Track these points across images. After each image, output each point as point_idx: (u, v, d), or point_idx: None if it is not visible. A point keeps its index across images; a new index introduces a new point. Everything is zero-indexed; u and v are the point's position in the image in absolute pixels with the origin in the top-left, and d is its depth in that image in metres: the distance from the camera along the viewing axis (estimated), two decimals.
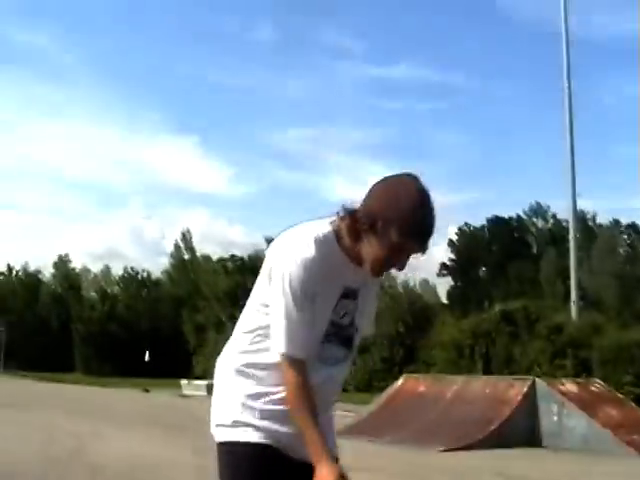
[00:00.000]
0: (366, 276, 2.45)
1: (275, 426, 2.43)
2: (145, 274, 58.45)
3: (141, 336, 48.47)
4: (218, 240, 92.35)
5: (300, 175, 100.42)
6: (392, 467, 9.55)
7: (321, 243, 2.39)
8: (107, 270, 68.49)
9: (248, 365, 2.48)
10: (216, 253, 67.37)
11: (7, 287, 56.07)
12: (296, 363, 2.36)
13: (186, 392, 28.06)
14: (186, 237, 66.06)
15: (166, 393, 27.42)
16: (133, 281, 57.48)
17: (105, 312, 51.95)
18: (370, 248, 2.36)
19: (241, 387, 2.49)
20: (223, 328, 44.71)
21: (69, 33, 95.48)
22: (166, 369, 40.69)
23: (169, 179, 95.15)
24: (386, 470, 9.19)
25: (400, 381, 15.07)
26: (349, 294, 2.47)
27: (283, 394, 2.40)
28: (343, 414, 17.27)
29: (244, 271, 48.19)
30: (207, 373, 40.81)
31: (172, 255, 65.59)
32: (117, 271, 64.42)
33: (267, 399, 2.44)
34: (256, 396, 2.45)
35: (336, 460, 2.38)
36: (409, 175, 2.39)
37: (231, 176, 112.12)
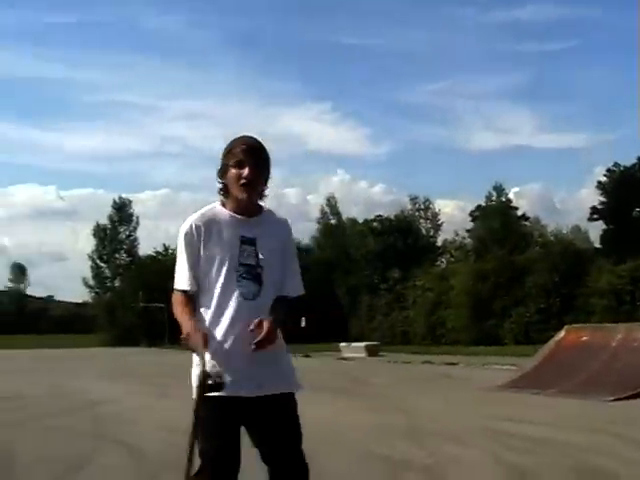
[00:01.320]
0: (262, 228, 3.40)
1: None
2: (295, 241, 59.74)
3: (295, 302, 49.67)
4: (361, 202, 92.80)
5: (436, 129, 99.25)
6: (560, 419, 9.59)
7: (204, 211, 3.41)
8: None
9: None
10: (361, 215, 67.87)
11: (165, 266, 58.56)
12: (182, 294, 3.32)
13: (346, 355, 28.60)
14: (331, 202, 66.90)
15: (326, 357, 28.10)
16: None
17: None
18: (230, 181, 3.34)
19: None
20: (376, 289, 45.27)
21: (200, 14, 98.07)
22: (322, 334, 41.46)
23: (308, 146, 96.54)
24: (554, 422, 9.24)
25: (562, 333, 14.92)
26: (246, 241, 3.34)
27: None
28: (506, 368, 17.35)
29: (392, 231, 48.43)
30: (363, 335, 41.51)
31: (318, 221, 66.67)
32: None
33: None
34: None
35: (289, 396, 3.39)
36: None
37: (369, 136, 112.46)
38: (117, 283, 66.69)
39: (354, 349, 29.22)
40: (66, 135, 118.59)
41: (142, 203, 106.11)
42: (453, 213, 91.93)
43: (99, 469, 6.80)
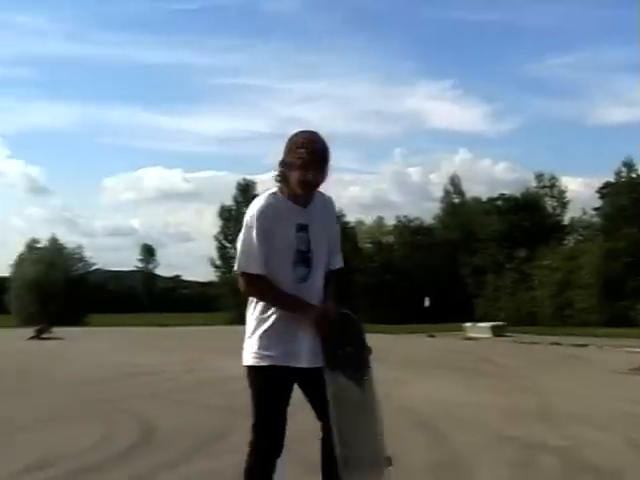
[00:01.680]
0: (313, 213, 3.68)
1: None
2: (417, 222, 59.32)
3: (419, 283, 49.49)
4: (484, 180, 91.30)
5: (563, 104, 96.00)
6: None
7: (268, 197, 3.65)
8: (380, 221, 70.34)
9: None
10: (484, 193, 66.77)
11: None
12: (256, 277, 3.57)
13: (471, 335, 28.34)
14: (454, 181, 66.06)
15: (451, 337, 27.92)
16: (406, 229, 58.55)
17: (382, 262, 53.55)
18: (293, 178, 3.55)
19: None
20: (502, 270, 44.62)
21: None
22: (446, 314, 41.19)
23: (429, 124, 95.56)
24: None
25: None
26: (301, 228, 3.62)
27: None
28: (639, 351, 16.84)
29: (518, 210, 47.44)
30: (488, 315, 41.03)
31: (441, 200, 66.01)
32: (389, 221, 65.94)
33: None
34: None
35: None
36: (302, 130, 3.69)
37: (491, 113, 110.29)
38: None
39: (479, 329, 28.91)
40: (190, 119, 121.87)
41: (265, 184, 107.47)
42: (580, 190, 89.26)
43: (236, 442, 7.03)
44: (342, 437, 3.58)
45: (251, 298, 3.68)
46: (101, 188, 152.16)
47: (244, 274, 3.61)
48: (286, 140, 3.66)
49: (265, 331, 3.60)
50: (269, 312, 3.60)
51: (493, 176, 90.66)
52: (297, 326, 3.56)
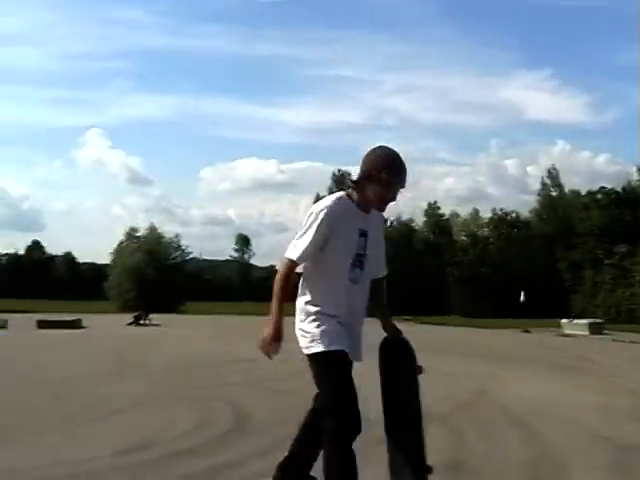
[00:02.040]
0: (371, 221, 3.99)
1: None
2: (514, 215, 58.36)
3: (514, 277, 48.69)
4: (583, 173, 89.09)
5: None
6: None
7: (337, 200, 3.91)
8: (475, 213, 69.49)
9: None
10: (583, 186, 65.14)
11: (386, 235, 59.18)
12: (291, 263, 3.85)
13: (567, 331, 27.77)
14: (552, 174, 64.69)
15: (546, 333, 27.42)
16: (502, 222, 57.69)
17: (477, 255, 52.95)
18: (372, 191, 3.88)
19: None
20: (601, 265, 43.41)
21: None
22: (542, 309, 40.43)
23: (526, 115, 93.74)
24: None
25: None
26: (362, 233, 3.93)
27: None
28: None
29: (619, 204, 46.05)
30: (586, 312, 40.05)
31: (539, 193, 64.73)
32: (484, 213, 65.11)
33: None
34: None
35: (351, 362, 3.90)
36: (385, 147, 3.98)
37: (591, 104, 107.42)
38: None
39: (576, 326, 28.30)
40: (285, 110, 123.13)
41: None
42: None
43: None
44: (391, 442, 4.03)
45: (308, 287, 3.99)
46: (198, 178, 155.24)
47: (286, 258, 3.90)
48: (369, 151, 3.98)
49: (317, 319, 3.93)
50: (319, 306, 3.93)
51: (593, 168, 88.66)
52: (342, 322, 3.93)
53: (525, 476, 5.33)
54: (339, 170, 74.91)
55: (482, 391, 10.35)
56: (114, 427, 7.14)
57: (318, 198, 73.80)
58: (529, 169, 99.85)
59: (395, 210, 76.63)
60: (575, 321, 29.75)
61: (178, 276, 62.98)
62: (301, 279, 4.00)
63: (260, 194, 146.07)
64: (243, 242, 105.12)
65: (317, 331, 3.88)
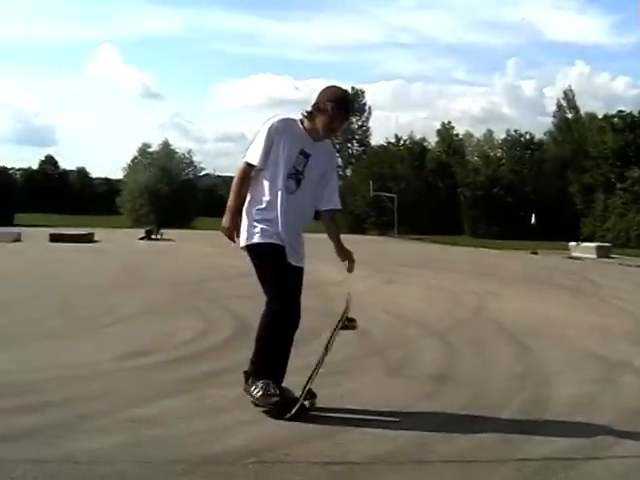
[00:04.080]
0: (319, 149, 4.60)
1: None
2: (528, 136, 57.86)
3: (526, 199, 48.65)
4: (601, 95, 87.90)
5: None
6: None
7: (285, 119, 4.56)
8: (489, 134, 68.88)
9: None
10: (600, 109, 64.36)
11: (396, 156, 58.99)
12: (247, 165, 4.52)
13: (575, 254, 27.88)
14: (568, 95, 63.82)
15: (554, 255, 27.55)
16: (516, 144, 57.25)
17: (489, 176, 52.72)
18: (319, 121, 4.51)
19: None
20: (612, 189, 43.21)
21: None
22: (552, 232, 40.46)
23: (545, 36, 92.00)
24: None
25: None
26: (304, 154, 4.53)
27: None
28: None
29: (634, 128, 45.50)
30: (595, 235, 40.14)
31: (554, 115, 64.03)
32: (498, 134, 64.59)
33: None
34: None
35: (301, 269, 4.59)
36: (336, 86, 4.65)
37: (612, 25, 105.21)
38: (349, 172, 68.30)
39: (584, 249, 28.40)
40: (300, 26, 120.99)
41: (375, 93, 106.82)
42: None
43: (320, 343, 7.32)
44: None
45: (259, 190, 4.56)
46: (212, 94, 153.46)
47: (244, 161, 4.55)
48: (324, 88, 4.61)
49: (260, 218, 4.51)
50: (262, 206, 4.52)
51: (612, 92, 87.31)
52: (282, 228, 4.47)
53: (509, 387, 5.52)
54: (353, 88, 74.18)
55: (481, 308, 10.56)
56: (119, 334, 7.40)
57: None
58: (546, 90, 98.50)
59: (406, 129, 76.39)
60: (583, 244, 29.83)
61: (191, 192, 63.16)
62: (253, 182, 4.58)
63: (275, 110, 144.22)
64: None
65: (254, 228, 4.50)
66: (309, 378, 4.54)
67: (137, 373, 5.55)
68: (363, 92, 76.47)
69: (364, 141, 75.17)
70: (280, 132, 4.49)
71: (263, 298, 4.71)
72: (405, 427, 4.31)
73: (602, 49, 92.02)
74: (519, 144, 56.36)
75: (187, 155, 67.19)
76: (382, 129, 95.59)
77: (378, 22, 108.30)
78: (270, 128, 4.50)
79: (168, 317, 8.65)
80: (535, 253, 29.00)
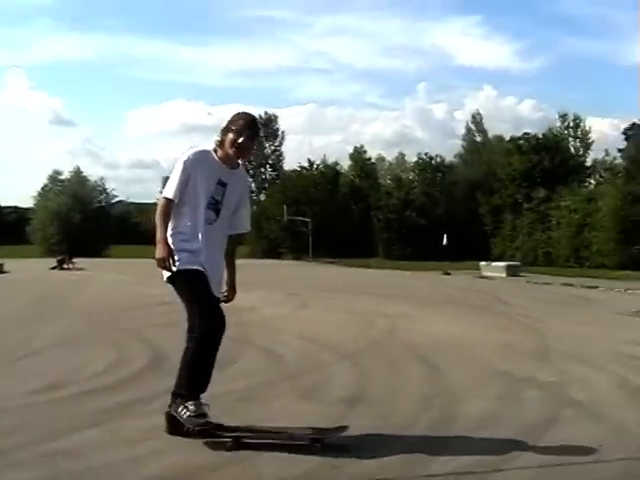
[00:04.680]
0: (234, 177, 4.83)
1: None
2: (438, 159, 59.06)
3: (438, 220, 49.53)
4: (508, 118, 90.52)
5: (592, 42, 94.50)
6: None
7: (200, 152, 4.76)
8: (401, 157, 70.17)
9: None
10: (508, 132, 66.20)
11: (309, 180, 59.36)
12: (166, 200, 4.69)
13: (485, 273, 28.61)
14: (476, 119, 65.69)
15: (466, 275, 28.19)
16: (427, 167, 58.31)
17: (402, 199, 53.51)
18: (228, 140, 4.70)
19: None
20: (520, 209, 44.48)
21: None
22: (463, 252, 41.31)
23: (455, 60, 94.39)
24: None
25: None
26: (221, 183, 4.75)
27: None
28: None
29: (539, 150, 47.01)
30: (505, 254, 41.19)
31: (464, 138, 65.72)
32: (410, 157, 65.73)
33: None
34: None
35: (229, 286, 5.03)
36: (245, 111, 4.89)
37: (518, 51, 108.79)
38: (262, 197, 68.36)
39: (494, 268, 29.15)
40: (213, 52, 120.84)
41: (289, 118, 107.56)
42: (607, 132, 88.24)
43: (246, 367, 7.43)
44: None
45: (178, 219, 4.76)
46: (124, 121, 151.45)
47: (162, 196, 4.76)
48: (232, 114, 4.85)
49: (181, 247, 4.69)
50: (182, 235, 4.73)
51: (518, 114, 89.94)
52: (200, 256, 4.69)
53: (419, 406, 5.72)
54: (266, 112, 74.54)
55: (393, 330, 10.80)
56: (32, 367, 7.34)
57: None
58: (456, 114, 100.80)
59: (320, 153, 77.20)
60: (493, 264, 30.60)
61: (104, 220, 62.15)
62: (173, 213, 4.75)
63: (188, 137, 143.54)
64: None
65: (178, 256, 4.63)
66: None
67: (51, 406, 5.54)
68: (276, 117, 76.83)
69: (277, 166, 75.41)
70: (195, 165, 4.67)
71: (180, 326, 4.80)
72: (315, 451, 4.44)
73: (508, 73, 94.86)
74: (430, 167, 57.42)
75: (99, 182, 66.11)
76: (296, 153, 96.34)
77: (292, 47, 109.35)
78: (185, 162, 4.67)
79: (81, 348, 8.60)
80: (448, 274, 29.57)
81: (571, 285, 22.30)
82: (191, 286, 4.68)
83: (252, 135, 4.79)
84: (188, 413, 4.49)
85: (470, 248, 42.67)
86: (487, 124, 65.52)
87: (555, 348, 9.19)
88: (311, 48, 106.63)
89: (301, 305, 14.20)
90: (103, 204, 65.56)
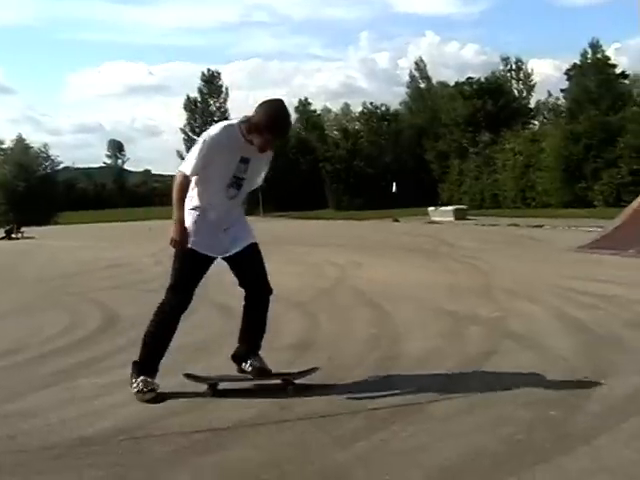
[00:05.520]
0: (256, 152, 4.67)
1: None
2: (383, 108, 59.19)
3: (386, 169, 49.90)
4: (452, 64, 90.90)
5: None
6: (631, 278, 9.80)
7: (224, 129, 4.65)
8: (347, 108, 70.16)
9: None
10: (452, 77, 66.51)
11: None
12: (184, 176, 4.63)
13: (434, 218, 29.03)
14: (420, 66, 65.82)
15: (415, 221, 28.56)
16: (373, 116, 58.44)
17: (349, 149, 53.70)
18: (254, 139, 4.60)
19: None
20: (466, 154, 44.95)
21: None
22: (413, 199, 41.76)
23: (395, 8, 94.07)
24: (624, 281, 9.47)
25: None
26: (244, 160, 4.69)
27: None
28: (592, 230, 17.44)
29: (482, 94, 47.41)
30: (453, 199, 41.73)
31: (408, 85, 65.88)
32: (356, 107, 65.76)
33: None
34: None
35: (254, 244, 4.91)
36: (276, 99, 4.79)
37: None
38: None
39: (442, 213, 29.61)
40: (153, 10, 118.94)
41: (232, 74, 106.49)
42: (549, 73, 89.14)
43: (196, 322, 7.57)
44: None
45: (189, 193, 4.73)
46: (65, 85, 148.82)
47: (180, 172, 4.68)
48: (264, 104, 4.69)
49: (195, 222, 4.70)
50: (199, 210, 4.71)
51: (462, 60, 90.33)
52: (217, 226, 4.73)
53: (365, 348, 5.96)
54: (208, 70, 73.66)
55: (343, 278, 11.04)
56: None
57: (189, 99, 72.85)
58: (400, 62, 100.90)
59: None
60: (441, 208, 31.07)
61: (50, 187, 61.27)
62: (191, 185, 4.72)
63: (130, 98, 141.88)
64: (116, 148, 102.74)
65: (189, 229, 4.67)
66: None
67: (8, 371, 5.65)
68: (219, 74, 75.85)
69: None
70: (218, 147, 4.59)
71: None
72: (266, 394, 4.65)
73: (450, 19, 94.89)
74: (376, 116, 57.58)
75: (43, 149, 65.07)
76: (241, 109, 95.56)
77: (233, 2, 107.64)
78: (208, 142, 4.61)
79: (35, 314, 8.66)
80: (397, 220, 29.96)
81: (517, 225, 22.80)
82: (180, 261, 4.76)
83: (280, 139, 4.84)
84: (136, 389, 4.67)
85: (420, 194, 43.16)
86: (431, 70, 65.91)
87: (498, 286, 9.52)
88: (251, 2, 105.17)
89: None
90: (48, 171, 64.57)
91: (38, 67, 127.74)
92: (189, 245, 4.67)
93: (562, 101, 53.76)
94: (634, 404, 4.22)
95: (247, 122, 4.65)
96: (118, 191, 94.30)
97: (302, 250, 16.70)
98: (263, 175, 5.03)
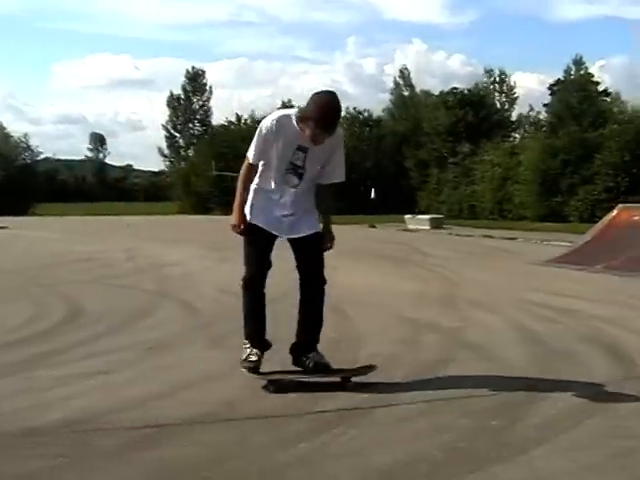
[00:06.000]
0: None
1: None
2: (366, 113, 59.28)
3: (367, 174, 49.95)
4: (437, 73, 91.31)
5: None
6: (595, 293, 9.95)
7: (279, 118, 4.84)
8: None
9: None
10: (437, 87, 66.85)
11: (238, 134, 58.93)
12: (249, 163, 4.98)
13: (410, 226, 29.16)
14: (404, 74, 66.14)
15: (391, 228, 28.67)
16: (355, 121, 58.53)
17: None
18: (306, 131, 4.71)
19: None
20: (445, 163, 45.17)
21: None
22: (391, 205, 41.88)
23: (384, 14, 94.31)
24: (587, 296, 9.63)
25: (615, 211, 15.11)
26: (301, 149, 4.82)
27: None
28: (563, 244, 17.61)
29: (464, 104, 47.69)
30: (431, 208, 41.89)
31: (392, 92, 66.15)
32: None
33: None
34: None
35: (319, 234, 5.18)
36: (328, 91, 4.89)
37: (447, 5, 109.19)
38: (191, 153, 67.83)
39: (418, 221, 29.74)
40: (140, 3, 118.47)
41: (218, 72, 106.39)
42: (533, 87, 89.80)
43: (160, 319, 7.66)
44: None
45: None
46: (49, 75, 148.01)
47: (246, 158, 5.01)
48: (314, 96, 4.79)
49: (258, 201, 5.04)
50: (263, 192, 5.02)
51: (448, 69, 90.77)
52: (280, 210, 4.99)
53: (323, 350, 6.02)
54: (193, 67, 73.68)
55: None
56: None
57: (172, 96, 72.68)
58: (386, 68, 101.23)
59: (249, 108, 76.69)
60: (418, 216, 31.20)
61: (29, 177, 60.80)
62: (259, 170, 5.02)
63: (115, 91, 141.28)
64: (97, 141, 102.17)
65: (249, 206, 5.04)
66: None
67: None
68: (204, 72, 76.01)
69: (206, 121, 74.74)
70: (274, 132, 4.81)
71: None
72: (218, 392, 4.74)
73: (438, 28, 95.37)
74: (358, 121, 57.66)
75: (23, 139, 64.54)
76: (225, 108, 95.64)
77: (222, 0, 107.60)
78: (265, 128, 4.85)
79: (0, 305, 8.67)
80: (373, 227, 30.05)
81: (491, 237, 22.96)
82: (246, 239, 5.11)
83: (331, 132, 4.78)
84: (243, 357, 5.07)
85: (398, 201, 43.26)
86: (417, 79, 66.55)
87: (463, 296, 9.64)
88: (240, 1, 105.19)
89: (222, 259, 14.36)
90: (28, 161, 64.11)
91: (21, 56, 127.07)
92: (253, 222, 5.00)
93: (544, 115, 54.27)
94: (575, 417, 4.33)
95: (301, 114, 4.81)
96: (98, 184, 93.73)
97: (275, 253, 16.71)
98: (339, 171, 5.08)
